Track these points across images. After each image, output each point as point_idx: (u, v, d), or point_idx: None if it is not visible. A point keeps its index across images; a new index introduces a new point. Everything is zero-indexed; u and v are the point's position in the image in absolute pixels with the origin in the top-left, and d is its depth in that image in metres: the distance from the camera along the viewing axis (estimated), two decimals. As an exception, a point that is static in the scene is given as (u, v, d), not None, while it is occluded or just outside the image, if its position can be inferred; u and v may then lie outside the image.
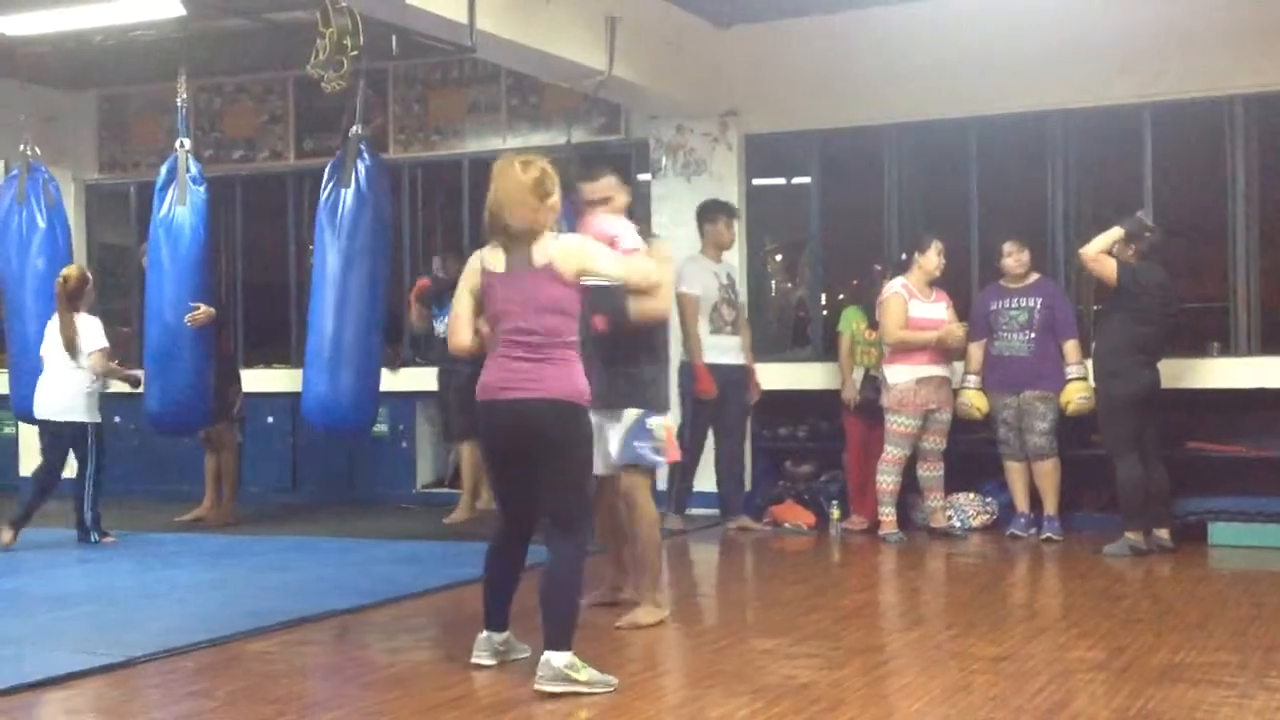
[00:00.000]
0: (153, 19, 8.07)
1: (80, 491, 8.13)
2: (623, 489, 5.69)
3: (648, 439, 5.60)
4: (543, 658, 4.57)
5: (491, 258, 4.74)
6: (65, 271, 8.23)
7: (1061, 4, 8.43)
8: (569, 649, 4.56)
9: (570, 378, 4.69)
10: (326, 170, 8.24)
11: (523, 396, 4.64)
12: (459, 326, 4.81)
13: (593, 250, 4.86)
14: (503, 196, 4.68)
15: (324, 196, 8.19)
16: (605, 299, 5.25)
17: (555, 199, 4.76)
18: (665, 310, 5.69)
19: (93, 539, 8.10)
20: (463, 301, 4.81)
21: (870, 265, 9.09)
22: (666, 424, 5.71)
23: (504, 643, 4.93)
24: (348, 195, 8.03)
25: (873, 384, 8.42)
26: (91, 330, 8.11)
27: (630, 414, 5.58)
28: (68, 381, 8.06)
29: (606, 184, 5.66)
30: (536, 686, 4.52)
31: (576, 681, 4.51)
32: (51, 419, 8.13)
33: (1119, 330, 7.47)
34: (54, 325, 8.15)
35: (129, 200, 11.23)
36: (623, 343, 5.52)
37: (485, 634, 4.90)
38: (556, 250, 4.70)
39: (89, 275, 8.35)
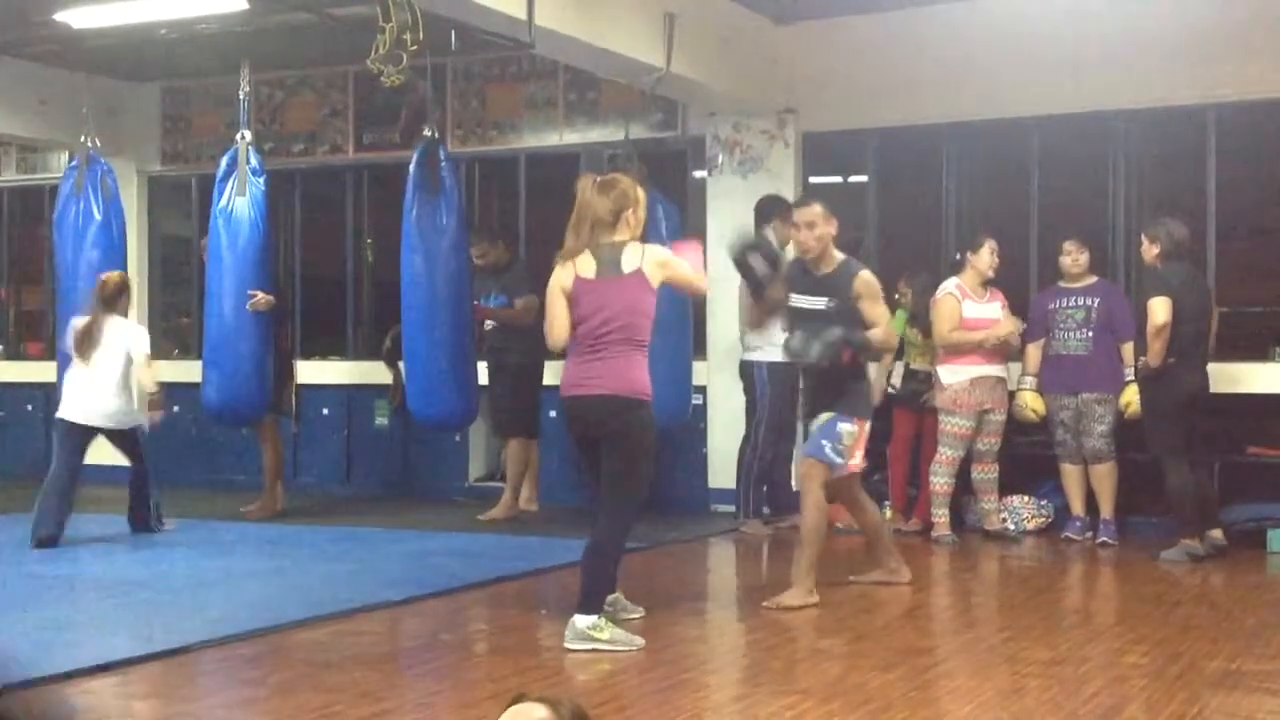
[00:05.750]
0: (217, 13, 8.16)
1: (141, 483, 8.14)
2: (800, 474, 6.19)
3: (834, 440, 6.03)
4: (571, 619, 5.06)
5: (583, 264, 5.23)
6: (105, 276, 8.09)
7: (1126, 4, 8.34)
8: (595, 613, 5.07)
9: (630, 375, 5.21)
10: (410, 175, 8.18)
11: (588, 392, 5.23)
12: (556, 326, 5.32)
13: (674, 261, 5.37)
14: (583, 215, 5.24)
15: (409, 201, 8.16)
16: (853, 339, 5.97)
17: (632, 212, 5.27)
18: (893, 343, 6.72)
19: (158, 527, 8.19)
20: (557, 304, 5.30)
21: (918, 270, 9.00)
22: (855, 431, 6.08)
23: (612, 603, 5.38)
24: (433, 199, 8.07)
25: (915, 378, 8.41)
26: (140, 337, 7.99)
27: (825, 415, 6.08)
28: (119, 387, 7.82)
29: (812, 212, 6.11)
30: (565, 644, 5.00)
31: (599, 640, 4.99)
32: (115, 428, 7.87)
33: None
34: (80, 324, 7.88)
35: (191, 192, 11.34)
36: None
37: None
38: (646, 261, 5.25)
39: (129, 282, 8.21)
